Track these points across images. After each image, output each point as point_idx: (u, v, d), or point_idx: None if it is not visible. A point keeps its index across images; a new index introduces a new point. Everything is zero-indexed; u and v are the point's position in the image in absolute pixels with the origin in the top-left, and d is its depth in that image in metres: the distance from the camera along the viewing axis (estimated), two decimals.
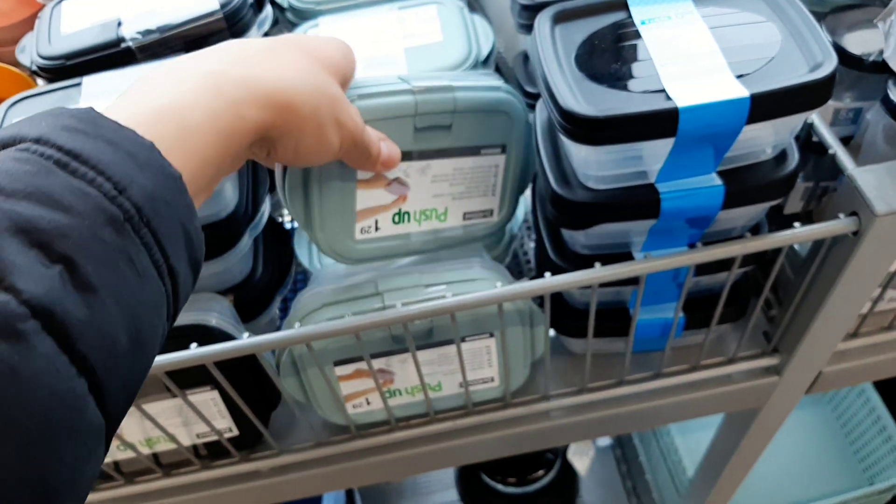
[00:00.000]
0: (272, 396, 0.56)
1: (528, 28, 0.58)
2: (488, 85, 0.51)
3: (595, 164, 0.42)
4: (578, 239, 0.48)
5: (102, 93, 0.51)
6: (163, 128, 0.29)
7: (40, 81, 0.56)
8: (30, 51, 0.57)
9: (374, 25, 0.63)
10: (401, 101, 0.47)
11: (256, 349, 0.46)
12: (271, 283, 0.60)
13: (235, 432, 0.56)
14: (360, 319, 0.45)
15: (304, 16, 0.65)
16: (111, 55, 0.54)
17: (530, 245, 0.76)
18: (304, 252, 0.62)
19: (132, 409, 0.53)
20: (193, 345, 0.46)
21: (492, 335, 0.52)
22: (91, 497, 0.60)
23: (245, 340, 0.46)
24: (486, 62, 0.60)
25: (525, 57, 0.64)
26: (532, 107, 0.62)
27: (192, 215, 0.29)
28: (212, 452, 0.58)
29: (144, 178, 0.25)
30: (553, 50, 0.44)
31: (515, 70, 0.64)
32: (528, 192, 0.60)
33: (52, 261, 0.22)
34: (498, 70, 0.64)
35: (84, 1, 0.59)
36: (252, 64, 0.34)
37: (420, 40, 0.62)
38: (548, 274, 0.44)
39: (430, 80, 0.49)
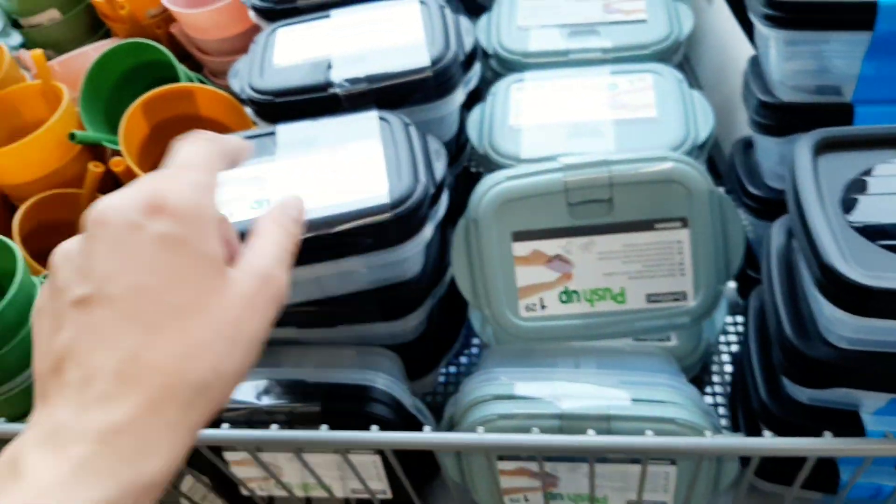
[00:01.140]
0: (432, 470, 0.55)
1: (764, 128, 0.52)
2: (653, 156, 0.48)
3: (851, 328, 0.37)
4: (804, 392, 0.42)
5: (295, 143, 0.50)
6: None
7: (248, 109, 0.56)
8: (242, 78, 0.57)
9: (584, 88, 0.59)
10: (548, 179, 0.48)
11: (436, 447, 0.44)
12: (442, 344, 0.58)
13: (389, 495, 0.55)
14: (547, 440, 0.42)
15: (509, 67, 0.62)
16: (318, 99, 0.53)
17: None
18: (477, 319, 0.59)
19: (292, 456, 0.53)
20: (374, 427, 0.44)
21: (674, 463, 0.47)
22: None
23: (426, 435, 0.44)
24: (701, 147, 0.54)
25: (745, 145, 0.58)
26: (751, 209, 0.56)
27: None
28: None
29: None
30: (815, 186, 0.38)
31: (735, 159, 0.58)
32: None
33: None
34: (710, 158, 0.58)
35: (298, 33, 0.59)
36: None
37: (632, 113, 0.57)
38: (767, 433, 0.39)
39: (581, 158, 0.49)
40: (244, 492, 0.56)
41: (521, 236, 0.50)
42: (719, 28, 0.70)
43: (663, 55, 0.63)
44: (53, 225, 0.61)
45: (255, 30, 0.71)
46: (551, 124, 0.58)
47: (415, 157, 0.47)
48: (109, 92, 0.67)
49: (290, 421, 0.49)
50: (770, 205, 0.55)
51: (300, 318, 0.53)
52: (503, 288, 0.50)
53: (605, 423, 0.44)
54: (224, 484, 0.57)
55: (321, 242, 0.44)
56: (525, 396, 0.48)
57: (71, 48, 0.77)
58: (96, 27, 0.79)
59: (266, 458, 0.53)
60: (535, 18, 0.67)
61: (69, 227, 0.60)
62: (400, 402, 0.51)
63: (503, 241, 0.50)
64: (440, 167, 0.49)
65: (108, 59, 0.66)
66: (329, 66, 0.54)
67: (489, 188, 0.49)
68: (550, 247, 0.50)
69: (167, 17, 0.74)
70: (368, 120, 0.51)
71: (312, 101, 0.53)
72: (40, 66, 0.62)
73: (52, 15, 0.74)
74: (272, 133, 0.51)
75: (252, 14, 0.63)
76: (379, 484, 0.54)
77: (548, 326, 0.51)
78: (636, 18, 0.66)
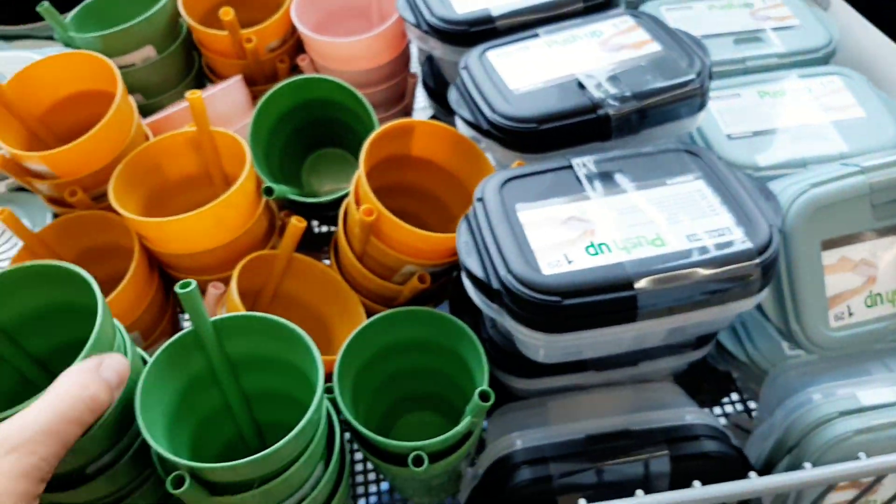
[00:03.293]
0: None
1: None
2: None
3: None
4: None
5: (599, 176, 0.46)
6: None
7: (486, 142, 0.50)
8: (471, 108, 0.51)
9: (784, 95, 0.59)
10: (853, 182, 0.48)
11: (772, 491, 0.41)
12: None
13: None
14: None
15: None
16: (585, 122, 0.49)
17: None
18: (728, 337, 0.57)
19: None
20: (697, 483, 0.41)
21: None
22: None
23: (759, 481, 0.41)
24: None
25: None
26: None
27: None
28: None
29: None
30: None
31: None
32: None
33: None
34: None
35: (515, 55, 0.54)
36: None
37: (842, 114, 0.58)
38: None
39: (878, 158, 0.49)
40: None
41: (829, 244, 0.48)
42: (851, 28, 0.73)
43: (828, 58, 0.65)
44: (247, 292, 0.52)
45: (400, 59, 0.65)
46: (771, 130, 0.57)
47: (748, 194, 0.44)
48: (267, 136, 0.59)
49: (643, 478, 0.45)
50: None
51: (602, 363, 0.48)
52: (813, 300, 0.49)
53: None
54: None
55: (683, 293, 0.40)
56: (877, 405, 0.46)
57: (158, 92, 0.67)
58: (189, 67, 0.69)
59: None
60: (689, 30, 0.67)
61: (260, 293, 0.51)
62: (725, 434, 0.48)
63: (812, 251, 0.48)
64: (771, 205, 0.46)
65: (271, 101, 0.58)
66: (582, 87, 0.50)
67: (794, 198, 0.48)
68: (856, 251, 0.49)
69: (288, 50, 0.66)
70: (675, 153, 0.47)
71: (579, 125, 0.49)
72: (198, 110, 0.53)
73: (147, 53, 0.64)
74: (568, 166, 0.46)
75: (432, 40, 0.58)
76: None
77: (854, 334, 0.50)
78: (789, 24, 0.67)
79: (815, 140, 0.56)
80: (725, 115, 0.59)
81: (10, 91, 0.54)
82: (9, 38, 0.81)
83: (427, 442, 0.43)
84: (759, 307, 0.51)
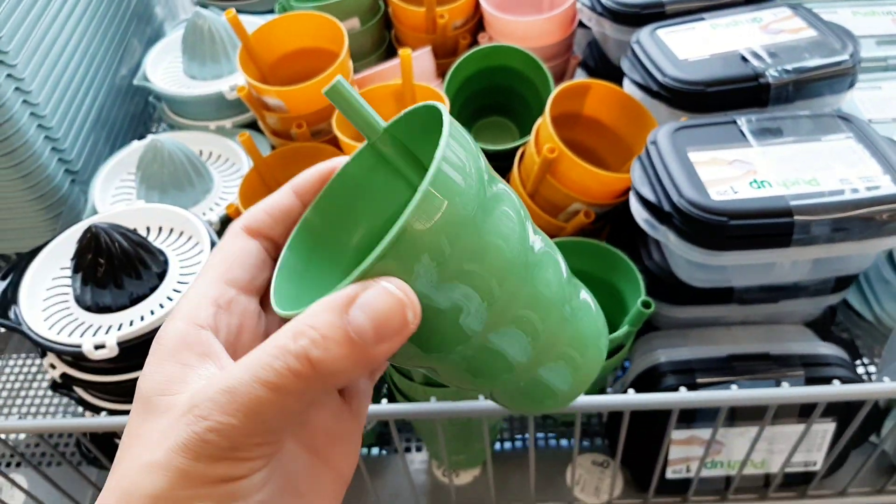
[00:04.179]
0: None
1: None
2: None
3: None
4: None
5: (762, 131, 0.53)
6: None
7: (653, 102, 0.58)
8: (642, 73, 0.60)
9: None
10: None
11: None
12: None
13: (816, 469, 0.56)
14: None
15: None
16: (747, 89, 0.56)
17: None
18: (856, 297, 0.62)
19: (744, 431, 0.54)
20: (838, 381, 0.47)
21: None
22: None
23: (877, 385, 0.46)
24: None
25: None
26: None
27: None
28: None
29: None
30: None
31: None
32: None
33: None
34: None
35: (682, 33, 0.62)
36: None
37: None
38: None
39: None
40: (672, 473, 0.57)
41: None
42: None
43: None
44: None
45: (567, 41, 0.74)
46: None
47: (894, 152, 0.50)
48: (452, 96, 0.69)
49: None
50: None
51: (747, 295, 0.54)
52: None
53: None
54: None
55: (834, 225, 0.47)
56: None
57: (357, 58, 0.78)
58: (382, 40, 0.81)
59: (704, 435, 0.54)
60: None
61: None
62: (854, 364, 0.53)
63: None
64: None
65: (463, 64, 0.68)
66: (745, 60, 0.57)
67: None
68: None
69: (471, 28, 0.76)
70: (829, 117, 0.54)
71: (742, 91, 0.56)
72: (406, 69, 0.63)
73: (352, 24, 0.75)
74: (732, 122, 0.54)
75: (606, 22, 0.67)
76: (816, 455, 0.56)
77: None
78: None
79: None
80: (867, 103, 0.65)
81: (254, 40, 0.66)
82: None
83: None
84: (890, 258, 0.56)
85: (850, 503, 0.58)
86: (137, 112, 0.87)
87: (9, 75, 0.63)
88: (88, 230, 0.50)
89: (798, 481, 0.58)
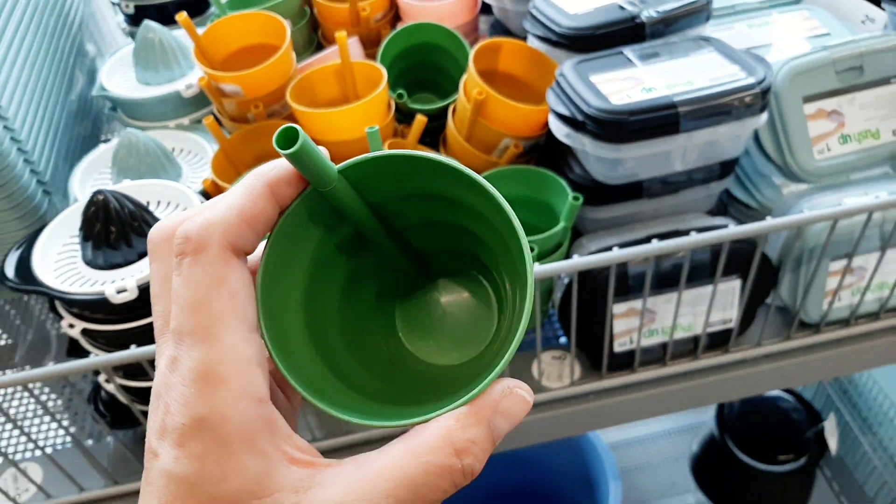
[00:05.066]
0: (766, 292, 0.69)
1: None
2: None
3: None
4: None
5: (644, 56, 0.66)
6: None
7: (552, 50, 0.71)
8: (538, 27, 0.72)
9: (768, 24, 0.80)
10: (820, 56, 0.67)
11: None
12: None
13: (732, 325, 0.69)
14: None
15: None
16: (628, 29, 0.69)
17: None
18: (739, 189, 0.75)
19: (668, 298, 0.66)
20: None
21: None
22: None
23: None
24: None
25: None
26: None
27: None
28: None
29: None
30: None
31: None
32: None
33: None
34: None
35: None
36: None
37: (811, 33, 0.79)
38: None
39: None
40: (619, 346, 0.68)
41: (808, 99, 0.68)
42: None
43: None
44: None
45: (475, 21, 0.87)
46: (761, 46, 0.78)
47: (749, 58, 0.64)
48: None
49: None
50: None
51: (652, 187, 0.67)
52: (800, 139, 0.68)
53: None
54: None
55: (710, 111, 0.60)
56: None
57: None
58: (311, 41, 0.91)
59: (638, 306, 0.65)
60: None
61: None
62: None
63: (796, 104, 0.68)
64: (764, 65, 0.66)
65: (392, 41, 0.79)
66: (622, 8, 0.71)
67: (781, 67, 0.68)
68: (828, 104, 0.68)
69: (391, 19, 0.87)
70: (693, 40, 0.68)
71: (623, 31, 0.69)
72: (343, 49, 0.73)
73: None
74: (620, 53, 0.67)
75: None
76: (727, 313, 0.68)
77: (834, 164, 0.68)
78: None
79: (792, 48, 0.77)
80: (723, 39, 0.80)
81: (205, 39, 0.75)
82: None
83: (536, 237, 0.62)
84: (762, 151, 0.70)
85: (764, 352, 0.70)
86: (87, 133, 0.93)
87: None
88: (96, 196, 0.57)
89: (720, 341, 0.70)
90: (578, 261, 0.57)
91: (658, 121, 0.59)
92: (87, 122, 0.93)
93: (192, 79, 0.81)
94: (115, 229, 0.57)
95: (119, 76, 0.85)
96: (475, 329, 0.30)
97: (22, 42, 0.77)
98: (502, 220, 0.24)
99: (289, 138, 0.22)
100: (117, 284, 0.56)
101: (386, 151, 0.25)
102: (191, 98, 0.80)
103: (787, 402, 1.26)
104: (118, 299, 0.55)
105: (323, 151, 0.23)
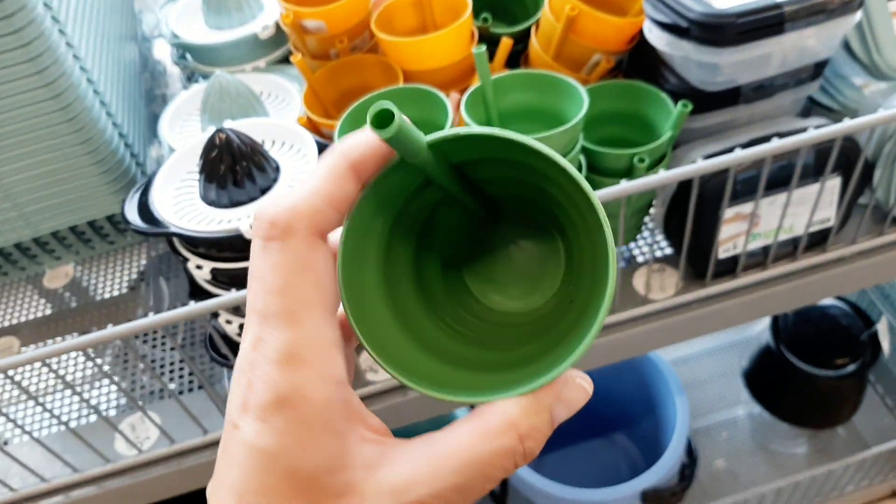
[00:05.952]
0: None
1: None
2: None
3: None
4: None
5: None
6: None
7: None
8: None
9: None
10: None
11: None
12: None
13: (831, 224, 0.70)
14: None
15: None
16: None
17: None
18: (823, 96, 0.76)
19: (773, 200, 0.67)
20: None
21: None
22: None
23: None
24: None
25: None
26: None
27: None
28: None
29: None
30: None
31: None
32: None
33: None
34: None
35: None
36: None
37: None
38: None
39: None
40: (723, 253, 0.69)
41: None
42: None
43: None
44: None
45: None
46: None
47: None
48: None
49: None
50: None
51: (749, 93, 0.67)
52: (887, 36, 0.68)
53: None
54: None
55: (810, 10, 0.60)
56: None
57: None
58: None
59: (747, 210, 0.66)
60: None
61: None
62: None
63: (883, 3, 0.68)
64: None
65: None
66: None
67: None
68: None
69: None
70: None
71: None
72: None
73: None
74: None
75: None
76: (829, 211, 0.69)
77: None
78: None
79: None
80: None
81: None
82: None
83: (643, 149, 0.62)
84: (848, 50, 0.71)
85: (858, 249, 0.72)
86: (147, 87, 0.93)
87: (68, 43, 0.69)
88: (216, 135, 0.57)
89: (818, 241, 0.71)
90: (702, 164, 0.58)
91: (764, 21, 0.60)
92: (146, 75, 0.92)
93: (265, 20, 0.80)
94: (239, 168, 0.58)
95: (187, 23, 0.84)
96: (541, 277, 0.31)
97: None
98: (587, 206, 0.24)
99: (384, 118, 0.21)
100: (250, 220, 0.56)
101: (477, 130, 0.24)
102: (265, 40, 0.79)
103: (837, 310, 1.29)
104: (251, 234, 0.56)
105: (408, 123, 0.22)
